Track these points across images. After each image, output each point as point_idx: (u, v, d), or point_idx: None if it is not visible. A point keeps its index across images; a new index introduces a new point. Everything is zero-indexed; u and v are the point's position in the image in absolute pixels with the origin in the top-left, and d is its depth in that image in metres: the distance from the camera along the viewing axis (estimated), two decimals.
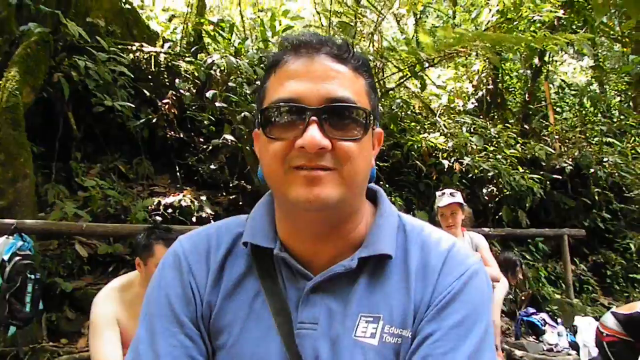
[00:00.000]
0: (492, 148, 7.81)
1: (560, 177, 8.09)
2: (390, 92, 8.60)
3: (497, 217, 7.52)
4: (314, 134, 0.73)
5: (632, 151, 9.62)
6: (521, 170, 7.53)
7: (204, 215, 5.40)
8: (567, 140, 9.62)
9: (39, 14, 5.19)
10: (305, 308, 0.82)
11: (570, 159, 8.47)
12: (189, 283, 0.85)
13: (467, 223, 3.97)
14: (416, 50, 7.11)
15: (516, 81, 11.47)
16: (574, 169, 8.23)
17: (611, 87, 12.46)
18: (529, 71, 10.65)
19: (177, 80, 6.12)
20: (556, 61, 12.57)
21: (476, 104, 9.94)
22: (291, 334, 0.80)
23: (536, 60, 9.88)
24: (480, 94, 9.98)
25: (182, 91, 6.02)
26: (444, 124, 8.03)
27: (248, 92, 6.19)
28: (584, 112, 11.12)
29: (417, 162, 7.14)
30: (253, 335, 0.82)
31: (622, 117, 10.20)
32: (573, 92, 11.84)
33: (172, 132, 6.02)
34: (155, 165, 5.96)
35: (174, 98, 5.98)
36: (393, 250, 0.83)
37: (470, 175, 7.24)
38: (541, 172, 7.92)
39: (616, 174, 8.62)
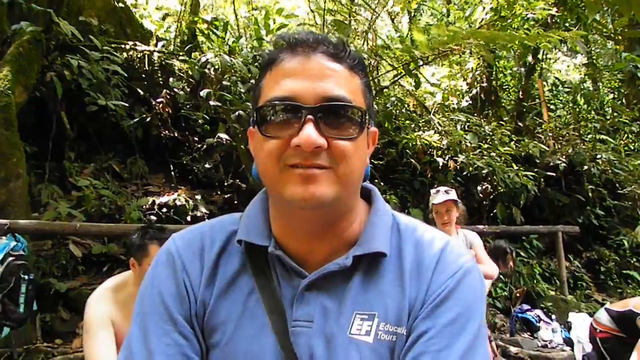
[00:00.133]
0: (486, 146, 7.84)
1: (554, 174, 8.13)
2: (385, 90, 8.61)
3: (491, 214, 7.55)
4: (309, 133, 0.73)
5: (625, 148, 9.68)
6: (515, 167, 7.55)
7: (198, 214, 5.39)
8: (560, 138, 9.66)
9: (31, 12, 5.15)
10: (299, 306, 0.82)
11: (564, 156, 8.51)
12: (183, 281, 0.85)
13: (461, 220, 3.97)
14: (410, 48, 7.12)
15: (510, 79, 11.51)
16: (567, 166, 8.27)
17: (604, 84, 12.52)
18: (522, 69, 10.69)
19: (171, 79, 6.10)
20: (550, 59, 12.62)
21: (470, 102, 9.97)
22: (286, 332, 0.80)
23: (530, 58, 9.91)
24: (474, 91, 10.01)
25: (176, 90, 6.00)
26: (438, 122, 8.04)
27: (242, 90, 6.17)
28: (577, 109, 11.17)
29: (412, 160, 7.15)
30: (247, 333, 0.81)
31: (615, 114, 10.23)
32: (566, 90, 11.89)
33: (167, 131, 6.01)
34: (150, 165, 5.94)
35: (168, 97, 5.96)
36: (387, 248, 0.84)
37: (464, 172, 7.26)
38: (535, 170, 7.95)
39: (609, 171, 8.67)
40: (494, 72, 10.21)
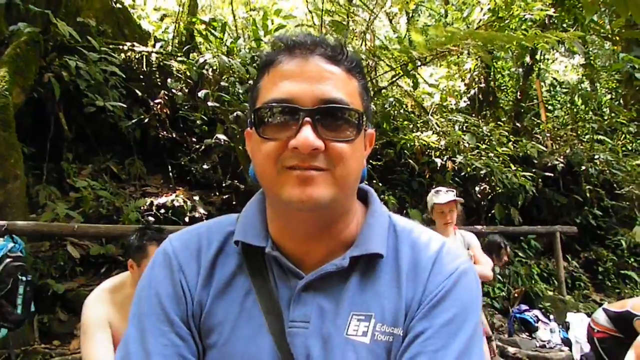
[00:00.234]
0: (484, 146, 7.84)
1: (552, 175, 8.14)
2: (383, 90, 8.61)
3: (489, 214, 7.56)
4: (307, 135, 0.74)
5: (623, 148, 9.71)
6: (513, 168, 7.57)
7: (196, 215, 5.39)
8: (558, 138, 9.69)
9: (29, 13, 5.15)
10: (296, 307, 0.82)
11: (562, 157, 8.53)
12: (180, 282, 0.85)
13: (459, 221, 3.98)
14: (408, 49, 7.12)
15: (508, 79, 11.53)
16: (565, 167, 8.28)
17: (602, 84, 12.55)
18: (520, 69, 10.71)
19: (169, 80, 6.10)
20: (547, 59, 12.65)
21: (468, 103, 9.98)
22: (282, 333, 0.80)
23: (528, 59, 9.94)
24: (472, 92, 10.02)
25: (174, 91, 6.00)
26: (436, 123, 8.05)
27: (240, 91, 6.18)
28: (575, 109, 11.19)
29: (410, 160, 7.16)
30: (244, 334, 0.82)
31: (612, 114, 10.25)
32: (564, 90, 11.91)
33: (165, 132, 6.00)
34: (148, 166, 5.93)
35: (166, 98, 5.96)
36: (384, 249, 0.84)
37: (462, 173, 7.27)
38: (533, 170, 7.97)
39: (607, 171, 8.69)
40: (491, 73, 10.23)
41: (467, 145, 7.63)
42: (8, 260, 3.27)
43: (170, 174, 5.98)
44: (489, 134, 8.21)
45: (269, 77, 0.81)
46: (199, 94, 5.87)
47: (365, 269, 0.84)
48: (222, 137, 5.80)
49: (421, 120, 8.35)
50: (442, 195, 3.70)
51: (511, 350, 5.38)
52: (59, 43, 5.44)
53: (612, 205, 8.72)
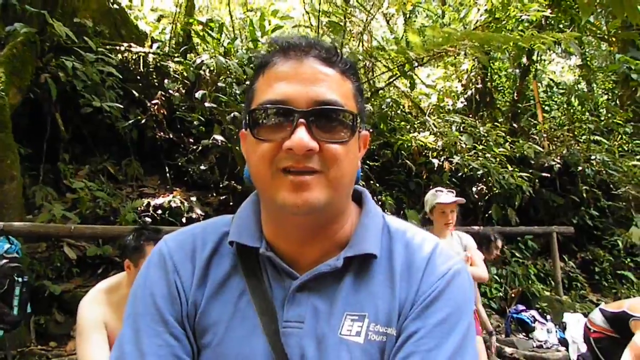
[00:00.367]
0: (481, 147, 7.86)
1: (548, 175, 8.17)
2: (380, 91, 8.62)
3: (486, 215, 7.58)
4: (301, 136, 0.74)
5: (619, 149, 9.74)
6: (510, 168, 7.59)
7: (194, 216, 5.38)
8: (555, 139, 9.71)
9: (25, 14, 5.14)
10: (291, 307, 0.82)
11: (559, 157, 8.55)
12: (174, 282, 0.85)
13: (456, 222, 3.98)
14: (405, 50, 7.13)
15: (505, 80, 11.56)
16: (562, 167, 8.31)
17: (598, 85, 12.60)
18: (517, 70, 10.75)
19: (166, 81, 6.10)
20: (544, 60, 12.68)
21: (465, 103, 10.00)
22: (277, 333, 0.80)
23: (524, 60, 9.96)
24: (469, 93, 10.05)
25: (171, 91, 6.00)
26: (433, 123, 8.06)
27: (238, 92, 6.18)
28: (572, 110, 11.23)
29: (407, 161, 7.16)
30: (238, 334, 0.82)
31: (609, 115, 10.29)
32: (561, 91, 11.95)
33: (162, 133, 5.99)
34: (145, 166, 5.92)
35: (163, 98, 5.95)
36: (378, 250, 0.84)
37: (459, 174, 7.28)
38: (530, 171, 7.99)
39: (604, 172, 8.72)
40: (488, 74, 10.25)
41: (464, 145, 7.64)
42: (4, 261, 3.27)
43: (168, 174, 5.97)
44: (486, 134, 8.22)
45: (264, 79, 0.82)
46: (196, 95, 5.87)
47: (359, 269, 0.84)
48: (219, 137, 5.79)
49: (418, 121, 8.36)
50: (444, 196, 3.69)
51: (508, 350, 5.39)
52: (55, 43, 5.43)
53: (609, 205, 8.75)
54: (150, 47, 6.67)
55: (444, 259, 0.84)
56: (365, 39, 9.65)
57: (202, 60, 6.09)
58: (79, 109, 5.22)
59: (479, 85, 10.08)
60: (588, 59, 12.23)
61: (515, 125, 9.79)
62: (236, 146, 5.71)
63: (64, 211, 4.63)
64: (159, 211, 5.26)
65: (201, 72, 6.18)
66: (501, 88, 11.51)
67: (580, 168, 8.35)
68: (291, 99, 0.76)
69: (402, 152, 7.24)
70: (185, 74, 6.18)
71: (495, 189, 7.26)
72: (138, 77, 6.12)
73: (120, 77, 5.59)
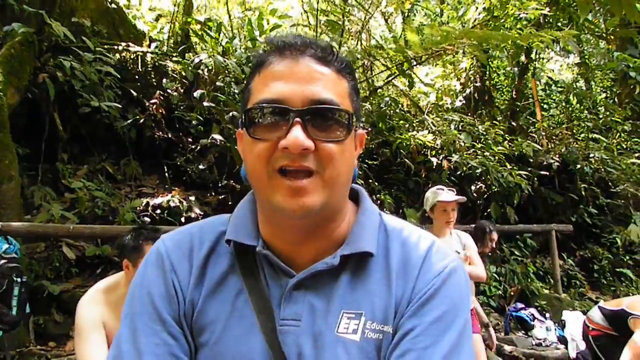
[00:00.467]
0: (480, 145, 7.86)
1: (547, 174, 8.17)
2: (379, 90, 8.62)
3: (485, 213, 7.58)
4: (297, 135, 0.74)
5: (618, 147, 9.73)
6: (509, 166, 7.59)
7: (192, 215, 5.38)
8: (554, 137, 9.71)
9: (23, 14, 5.13)
10: (287, 305, 0.82)
11: (557, 155, 8.55)
12: (172, 281, 0.86)
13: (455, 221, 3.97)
14: (404, 49, 7.14)
15: (503, 78, 11.57)
16: (560, 165, 8.31)
17: (597, 83, 12.60)
18: (516, 68, 10.74)
19: (164, 80, 6.09)
20: (543, 58, 12.69)
21: (464, 102, 10.00)
22: (274, 331, 0.80)
23: (523, 58, 9.96)
24: (468, 91, 10.05)
25: (169, 91, 5.99)
26: (432, 122, 8.06)
27: (236, 91, 6.17)
28: (570, 108, 11.23)
29: (406, 160, 7.16)
30: (235, 333, 0.82)
31: (607, 113, 10.29)
32: (559, 89, 11.96)
33: (160, 133, 5.99)
34: (143, 166, 5.92)
35: (162, 98, 5.94)
36: (374, 248, 0.85)
37: (458, 172, 7.28)
38: (529, 169, 7.99)
39: (602, 170, 8.72)
40: (487, 72, 10.25)
41: (462, 144, 7.65)
42: (3, 261, 3.26)
43: (166, 174, 5.97)
44: (484, 133, 8.22)
45: (260, 78, 0.82)
46: (195, 94, 5.87)
47: (355, 267, 0.84)
48: (217, 137, 5.79)
49: (417, 120, 8.36)
50: (445, 194, 3.67)
51: (507, 348, 5.40)
52: (53, 43, 5.42)
53: (607, 203, 8.76)
54: (149, 46, 6.66)
55: (440, 257, 0.85)
56: (363, 38, 9.65)
57: (201, 60, 6.09)
58: (77, 108, 5.22)
59: (478, 84, 10.08)
60: (586, 57, 12.23)
61: (513, 123, 9.79)
62: (235, 145, 5.70)
63: (63, 211, 4.62)
64: (158, 211, 5.26)
65: (199, 71, 6.18)
66: (500, 86, 11.52)
67: (578, 166, 8.36)
68: (287, 98, 0.77)
69: (401, 150, 7.24)
70: (183, 74, 6.17)
71: (494, 187, 7.27)
72: (136, 77, 6.11)
73: (119, 76, 5.58)
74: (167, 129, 6.08)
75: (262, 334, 0.80)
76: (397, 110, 8.29)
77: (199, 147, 6.01)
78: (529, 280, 7.31)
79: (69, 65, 5.07)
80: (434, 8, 12.68)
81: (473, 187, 7.48)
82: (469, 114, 9.24)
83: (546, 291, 7.28)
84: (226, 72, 6.30)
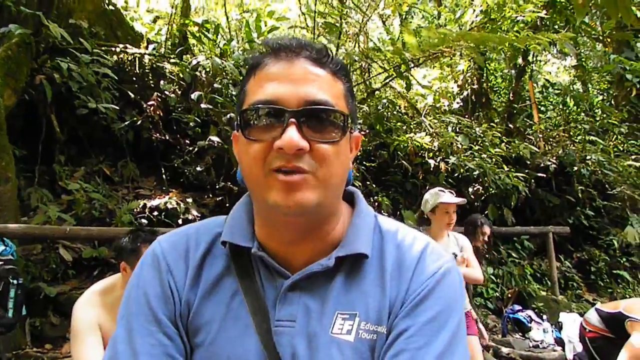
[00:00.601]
0: (477, 147, 7.87)
1: (544, 176, 8.19)
2: (376, 92, 8.63)
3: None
4: (292, 135, 0.74)
5: (615, 149, 9.77)
6: (506, 169, 7.60)
7: (190, 217, 5.37)
8: (551, 139, 9.74)
9: (20, 15, 5.12)
10: (283, 306, 0.83)
11: (554, 157, 8.58)
12: (168, 282, 0.86)
13: None
14: (401, 51, 7.14)
15: (501, 81, 11.60)
16: (558, 167, 8.33)
17: (593, 86, 12.65)
18: (513, 71, 10.77)
19: (162, 82, 6.08)
20: (540, 61, 12.73)
21: (461, 104, 10.01)
22: (269, 332, 0.81)
23: (520, 60, 9.99)
24: (465, 93, 10.06)
25: (167, 93, 5.98)
26: (429, 124, 8.07)
27: (234, 93, 6.17)
28: (567, 111, 11.27)
29: (404, 161, 7.17)
30: (231, 334, 0.82)
31: (604, 115, 10.32)
32: (556, 92, 11.99)
33: (158, 134, 5.98)
34: (141, 168, 5.91)
35: (159, 100, 5.93)
36: (369, 249, 0.85)
37: (456, 174, 7.29)
38: (526, 171, 8.02)
39: (599, 172, 8.75)
40: (484, 74, 10.27)
41: (460, 146, 7.65)
42: None
43: (164, 176, 5.96)
44: (482, 135, 8.24)
45: (255, 80, 0.82)
46: (192, 96, 5.86)
47: (350, 268, 0.85)
48: (215, 139, 5.78)
49: (414, 122, 8.37)
50: (448, 195, 3.68)
51: (505, 350, 5.40)
52: (50, 45, 5.41)
53: (604, 205, 8.78)
54: (146, 48, 6.66)
55: (435, 258, 0.85)
56: (361, 40, 9.67)
57: (198, 62, 6.08)
58: (75, 110, 5.20)
59: (475, 86, 10.10)
60: (583, 59, 12.28)
61: (511, 125, 9.82)
62: (232, 147, 5.70)
63: (60, 213, 4.61)
64: (155, 212, 5.25)
65: (197, 73, 6.17)
66: (497, 89, 11.54)
67: (575, 168, 8.38)
68: (282, 99, 0.77)
69: (399, 152, 7.24)
70: (181, 75, 6.17)
71: (491, 189, 7.28)
72: (134, 79, 6.10)
73: (116, 78, 5.57)
74: (164, 130, 6.07)
75: (257, 335, 0.80)
76: (395, 112, 8.30)
77: (196, 149, 6.01)
78: (526, 282, 7.33)
79: (66, 67, 5.06)
80: (431, 10, 12.71)
81: (470, 189, 7.49)
82: (467, 116, 9.25)
83: (543, 293, 7.29)
84: (224, 74, 6.30)
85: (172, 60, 6.40)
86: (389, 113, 8.02)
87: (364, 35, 9.78)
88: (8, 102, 4.74)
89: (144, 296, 0.85)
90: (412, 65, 7.75)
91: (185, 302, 0.85)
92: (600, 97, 12.47)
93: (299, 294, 0.83)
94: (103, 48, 5.82)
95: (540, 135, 9.50)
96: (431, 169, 7.16)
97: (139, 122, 5.71)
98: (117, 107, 5.45)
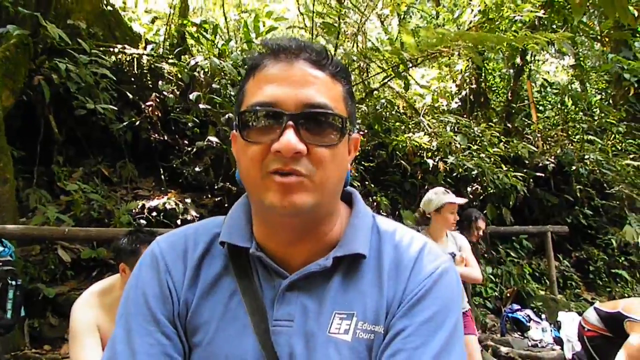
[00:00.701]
0: (475, 147, 7.87)
1: (543, 175, 8.19)
2: (375, 92, 8.63)
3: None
4: (290, 138, 0.74)
5: (613, 148, 9.78)
6: (505, 168, 7.60)
7: (189, 217, 5.36)
8: (549, 138, 9.75)
9: (18, 15, 5.12)
10: (280, 306, 0.83)
11: (553, 157, 8.58)
12: (166, 282, 0.86)
13: None
14: (399, 51, 7.14)
15: (499, 80, 11.60)
16: (556, 167, 8.33)
17: (591, 85, 12.65)
18: (511, 70, 10.78)
19: (160, 82, 6.08)
20: (538, 60, 12.73)
21: (460, 104, 10.02)
22: (267, 332, 0.81)
23: (518, 60, 9.99)
24: (463, 93, 10.06)
25: (165, 93, 5.98)
26: (428, 124, 8.08)
27: (232, 93, 6.17)
28: (565, 110, 11.27)
29: (402, 161, 7.17)
30: (229, 333, 0.83)
31: (602, 114, 10.32)
32: (555, 91, 11.99)
33: (156, 135, 5.97)
34: (139, 168, 5.90)
35: (158, 100, 5.93)
36: (367, 249, 0.85)
37: (454, 174, 7.29)
38: (524, 170, 8.02)
39: (597, 171, 8.75)
40: (482, 74, 10.27)
41: (458, 146, 7.66)
42: None
43: (162, 176, 5.95)
44: (480, 134, 8.24)
45: (254, 81, 0.82)
46: (191, 96, 5.85)
47: (348, 268, 0.85)
48: (213, 139, 5.78)
49: (413, 122, 8.37)
50: (451, 196, 3.68)
51: (503, 349, 5.41)
52: (48, 45, 5.40)
53: (603, 204, 8.78)
54: (144, 48, 6.66)
55: (432, 258, 0.85)
56: (359, 40, 9.67)
57: (197, 62, 6.08)
58: (73, 111, 5.20)
59: (473, 86, 10.10)
60: (581, 59, 12.28)
61: (509, 125, 9.82)
62: (231, 148, 5.69)
63: (58, 214, 4.61)
64: (154, 213, 5.25)
65: (195, 73, 6.17)
66: (495, 88, 11.54)
67: (574, 167, 8.38)
68: (280, 101, 0.77)
69: (397, 152, 7.25)
70: (179, 76, 6.17)
71: (489, 188, 7.28)
72: (132, 79, 6.10)
73: (114, 78, 5.56)
74: (163, 131, 6.07)
75: (255, 335, 0.81)
76: (393, 112, 8.30)
77: (194, 150, 6.00)
78: (525, 281, 7.33)
79: (65, 68, 5.05)
80: (429, 10, 12.71)
81: (469, 189, 7.50)
82: (465, 116, 9.25)
83: (542, 292, 7.30)
84: (222, 74, 6.30)
85: (170, 61, 6.39)
86: (388, 113, 8.03)
87: (362, 35, 9.78)
88: (6, 103, 4.73)
89: (143, 296, 0.85)
90: (411, 65, 7.75)
91: (183, 302, 0.86)
92: (599, 97, 12.47)
93: (297, 293, 0.84)
94: (101, 48, 5.82)
95: (539, 135, 9.51)
96: (430, 168, 7.17)
97: (137, 123, 5.70)
98: (116, 108, 5.45)
